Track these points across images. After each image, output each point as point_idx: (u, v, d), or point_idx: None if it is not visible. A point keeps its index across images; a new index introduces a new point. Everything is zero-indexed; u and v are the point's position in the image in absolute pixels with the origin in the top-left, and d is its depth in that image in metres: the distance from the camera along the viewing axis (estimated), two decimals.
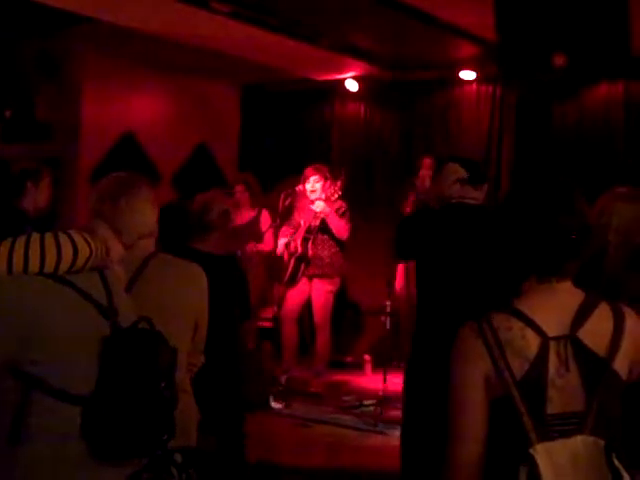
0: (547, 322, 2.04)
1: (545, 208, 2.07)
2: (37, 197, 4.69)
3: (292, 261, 7.09)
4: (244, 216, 7.45)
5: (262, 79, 9.08)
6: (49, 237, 2.10)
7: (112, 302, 2.20)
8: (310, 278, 7.10)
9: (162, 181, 8.47)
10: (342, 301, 7.91)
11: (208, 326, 3.14)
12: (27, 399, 2.03)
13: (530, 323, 2.03)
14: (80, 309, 2.14)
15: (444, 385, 3.58)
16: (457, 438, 2.06)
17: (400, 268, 7.21)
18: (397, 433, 5.86)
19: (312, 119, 9.25)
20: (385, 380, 6.49)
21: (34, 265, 2.07)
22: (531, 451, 1.93)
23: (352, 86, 8.74)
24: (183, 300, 2.97)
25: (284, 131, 9.30)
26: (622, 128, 7.54)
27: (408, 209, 6.96)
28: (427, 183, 6.89)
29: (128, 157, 8.18)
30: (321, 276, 7.08)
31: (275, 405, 6.63)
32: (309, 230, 7.05)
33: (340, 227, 6.93)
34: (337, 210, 6.93)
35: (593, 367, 2.01)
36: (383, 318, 6.81)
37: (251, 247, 7.35)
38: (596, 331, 2.04)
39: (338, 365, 8.03)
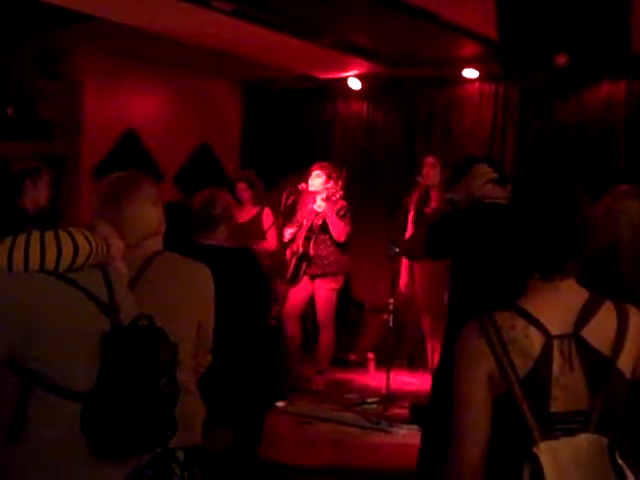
0: (551, 321, 2.04)
1: (547, 207, 2.07)
2: (37, 196, 4.68)
3: (294, 260, 7.09)
4: (246, 214, 7.45)
5: (264, 77, 9.08)
6: (49, 235, 2.11)
7: (113, 299, 2.21)
8: (312, 277, 7.10)
9: (164, 179, 8.46)
10: (345, 299, 7.91)
11: (228, 320, 3.12)
12: (28, 395, 2.03)
13: (534, 321, 2.03)
14: (81, 306, 2.14)
15: None
16: (461, 436, 2.06)
17: (404, 266, 7.20)
18: (400, 431, 5.91)
19: (314, 117, 9.23)
20: (388, 378, 6.49)
21: (34, 263, 2.07)
22: (534, 449, 1.93)
23: (354, 84, 8.73)
24: (186, 299, 2.94)
25: (286, 129, 9.29)
26: (623, 127, 7.53)
27: (412, 207, 6.95)
28: (431, 181, 6.90)
29: (130, 155, 8.17)
30: (323, 275, 7.08)
31: (278, 403, 6.63)
32: (311, 229, 7.05)
33: (338, 229, 6.94)
34: (338, 211, 6.94)
35: (597, 366, 2.01)
36: (386, 316, 6.81)
37: (253, 245, 7.34)
38: (600, 330, 2.04)
39: (341, 363, 8.02)
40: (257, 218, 7.50)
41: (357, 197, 7.68)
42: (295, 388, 6.86)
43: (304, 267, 7.08)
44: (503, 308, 2.09)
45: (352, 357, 8.34)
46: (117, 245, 2.43)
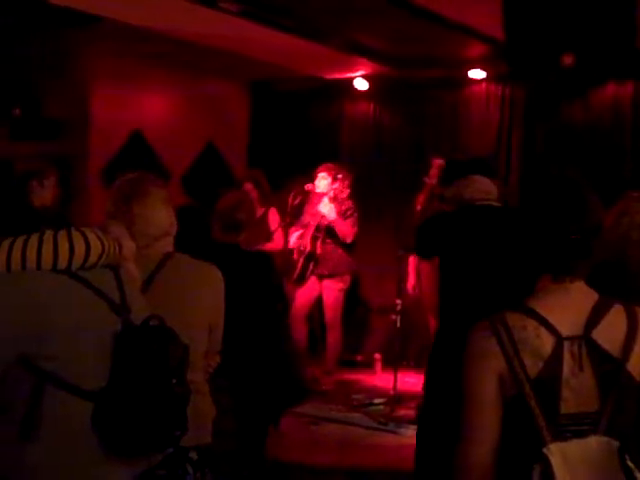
0: (561, 322, 2.04)
1: (559, 208, 2.07)
2: (43, 196, 4.69)
3: (301, 260, 7.10)
4: (255, 214, 7.46)
5: (271, 77, 9.09)
6: (62, 234, 2.12)
7: (124, 299, 2.21)
8: (320, 278, 7.11)
9: (171, 180, 8.48)
10: (353, 300, 7.91)
11: (244, 322, 3.15)
12: (40, 394, 2.04)
13: (544, 322, 2.03)
14: (93, 305, 2.15)
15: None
16: (470, 436, 2.07)
17: (412, 267, 7.20)
18: (408, 432, 5.89)
19: (321, 117, 9.24)
20: (395, 379, 6.49)
21: (47, 262, 2.08)
22: (545, 450, 1.92)
23: (361, 85, 8.74)
24: (198, 301, 2.97)
25: (293, 129, 9.30)
26: (630, 127, 7.55)
27: (419, 208, 6.96)
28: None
29: (137, 156, 8.18)
30: (331, 276, 7.09)
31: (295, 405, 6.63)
32: (318, 229, 7.06)
33: (344, 230, 6.96)
34: (345, 212, 6.95)
35: (607, 368, 2.01)
36: (394, 317, 6.80)
37: (259, 246, 7.35)
38: (610, 332, 2.04)
39: (348, 364, 8.05)
40: (263, 218, 7.50)
41: (364, 198, 7.68)
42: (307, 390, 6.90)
43: (311, 267, 7.09)
44: (514, 309, 2.08)
45: (359, 358, 8.35)
46: (129, 246, 2.44)
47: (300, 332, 7.24)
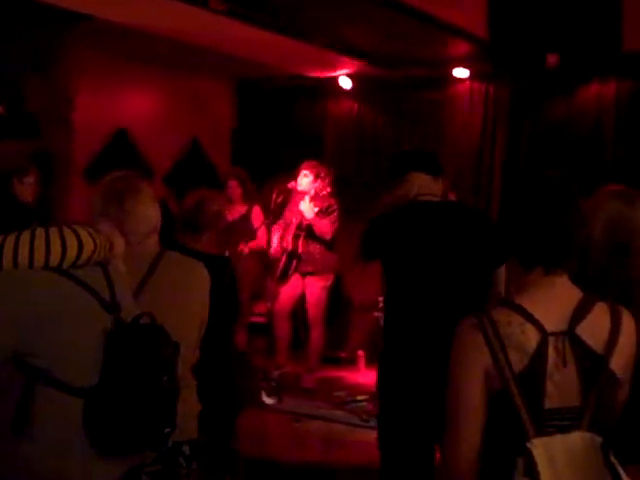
0: (546, 317, 2.06)
1: (551, 202, 2.11)
2: (23, 193, 4.67)
3: (284, 257, 7.11)
4: (236, 212, 7.47)
5: (256, 75, 9.08)
6: (54, 231, 2.12)
7: (115, 297, 2.22)
8: (303, 275, 7.12)
9: (155, 177, 8.46)
10: (336, 297, 7.92)
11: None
12: (31, 391, 2.05)
13: (530, 318, 2.05)
14: (84, 303, 2.16)
15: (417, 379, 3.64)
16: (456, 430, 2.08)
17: None
18: None
19: (305, 115, 9.25)
20: None
21: (39, 259, 2.09)
22: (528, 445, 1.94)
23: (345, 83, 8.75)
24: (192, 298, 3.01)
25: (278, 127, 9.30)
26: (613, 126, 7.59)
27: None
28: None
29: (121, 154, 8.17)
30: (313, 273, 7.10)
31: (268, 400, 6.64)
32: (300, 227, 7.07)
33: (323, 228, 6.97)
34: (326, 209, 6.97)
35: (590, 363, 2.03)
36: (376, 314, 6.82)
37: (243, 244, 7.36)
38: (594, 328, 2.07)
39: (331, 361, 8.04)
40: (247, 216, 7.52)
41: (347, 196, 7.69)
42: (286, 386, 6.91)
43: (294, 265, 7.10)
44: (500, 304, 2.11)
45: (342, 355, 8.35)
46: (119, 243, 2.45)
47: (283, 329, 7.26)
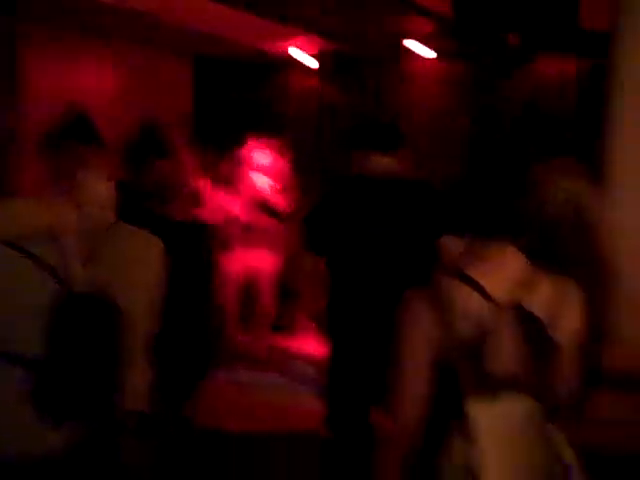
0: (493, 286, 2.10)
1: (490, 173, 2.16)
2: None
3: (235, 230, 7.09)
4: (189, 184, 7.43)
5: (216, 51, 8.98)
6: (3, 204, 2.17)
7: (66, 269, 2.24)
8: (255, 247, 7.14)
9: (112, 152, 8.30)
10: (287, 267, 7.93)
11: (177, 293, 3.15)
12: None
13: (477, 287, 2.09)
14: (34, 276, 2.17)
15: (361, 348, 3.68)
16: (402, 397, 2.15)
17: None
18: None
19: (265, 91, 9.21)
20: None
21: None
22: (469, 409, 2.02)
23: (307, 60, 8.68)
24: (143, 271, 2.95)
25: (238, 103, 9.26)
26: (575, 104, 7.68)
27: None
28: None
29: (75, 128, 7.99)
30: (266, 245, 7.12)
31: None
32: (255, 202, 7.05)
33: (278, 203, 6.99)
34: (282, 185, 6.97)
35: (535, 333, 2.09)
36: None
37: (193, 214, 7.33)
38: (540, 298, 2.12)
39: (282, 330, 8.08)
40: (199, 188, 7.50)
41: (306, 171, 7.71)
42: (236, 356, 6.96)
43: (245, 237, 7.06)
44: (448, 274, 2.15)
45: (292, 324, 8.35)
46: (71, 218, 2.46)
47: (233, 299, 7.29)
